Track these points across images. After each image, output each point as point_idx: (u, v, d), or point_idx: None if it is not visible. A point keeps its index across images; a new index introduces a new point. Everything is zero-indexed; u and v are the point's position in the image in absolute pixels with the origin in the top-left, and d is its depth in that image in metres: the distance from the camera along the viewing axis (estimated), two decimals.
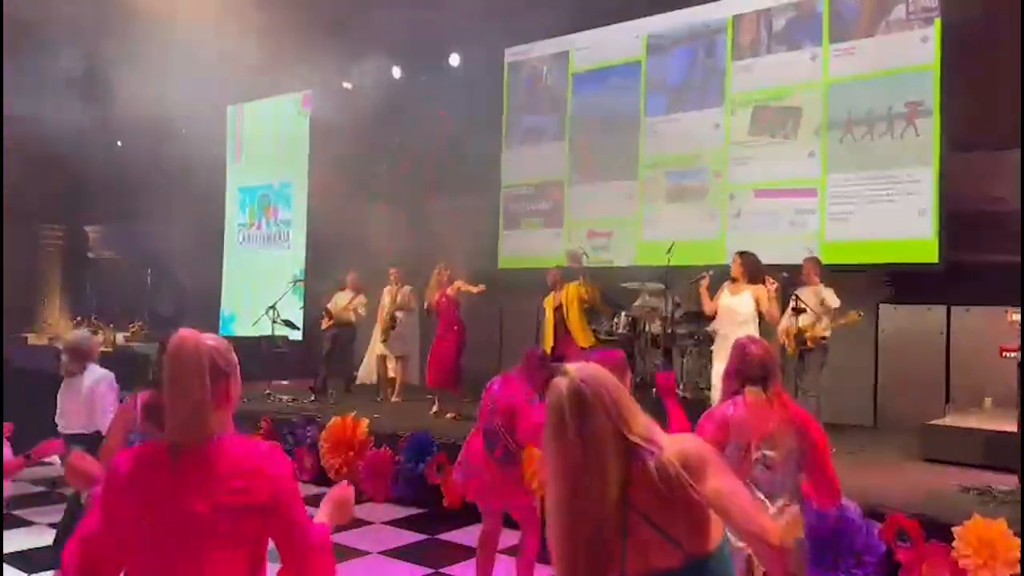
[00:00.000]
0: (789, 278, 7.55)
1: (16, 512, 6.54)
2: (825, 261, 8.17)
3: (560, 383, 1.79)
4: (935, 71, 8.05)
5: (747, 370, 3.21)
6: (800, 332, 7.15)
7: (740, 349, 3.30)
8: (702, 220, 9.45)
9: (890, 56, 8.31)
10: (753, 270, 6.75)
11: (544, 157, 10.93)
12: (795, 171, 8.84)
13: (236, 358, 2.14)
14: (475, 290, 8.68)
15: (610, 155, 10.26)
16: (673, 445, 1.83)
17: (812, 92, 8.82)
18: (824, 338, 7.05)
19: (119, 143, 13.80)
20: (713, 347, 6.98)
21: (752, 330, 6.49)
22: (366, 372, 9.75)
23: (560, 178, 10.78)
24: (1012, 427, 5.68)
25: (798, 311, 7.49)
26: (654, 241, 9.64)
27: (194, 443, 1.97)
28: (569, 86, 10.83)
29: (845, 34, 8.65)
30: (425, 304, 8.97)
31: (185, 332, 2.06)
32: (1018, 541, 4.33)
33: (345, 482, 2.36)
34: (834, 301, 6.98)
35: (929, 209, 8.00)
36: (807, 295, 7.25)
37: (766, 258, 8.22)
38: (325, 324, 9.79)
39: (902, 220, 8.13)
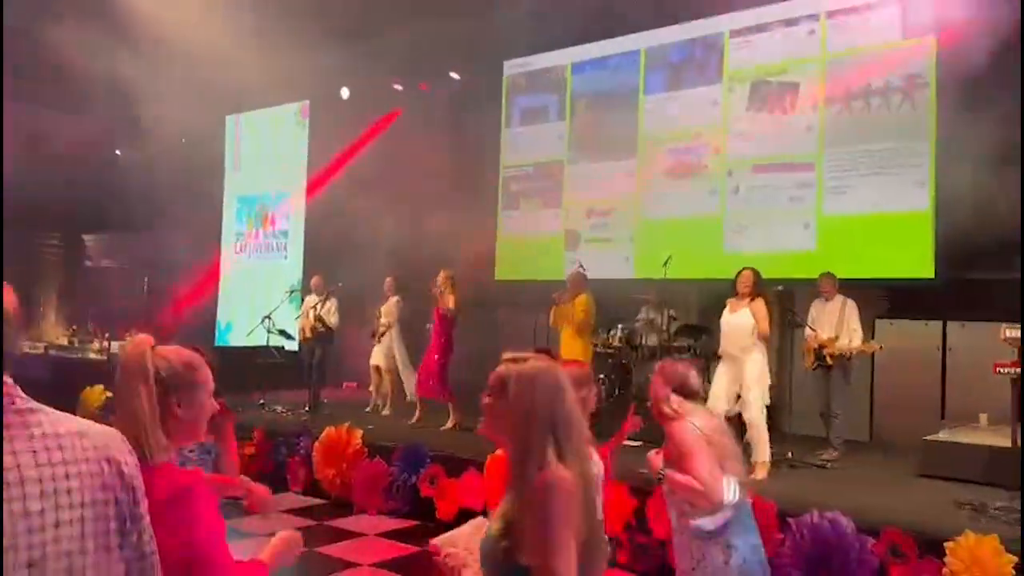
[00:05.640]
0: (785, 290, 7.55)
1: None
2: (822, 246, 8.21)
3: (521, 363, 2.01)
4: (932, 45, 8.05)
5: None
6: (820, 348, 7.10)
7: None
8: (702, 197, 9.46)
9: (888, 30, 8.31)
10: (760, 285, 6.62)
11: (543, 137, 10.95)
12: (793, 146, 8.84)
13: (188, 372, 1.94)
14: (451, 307, 8.55)
15: (609, 133, 10.28)
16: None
17: (810, 67, 8.84)
18: (846, 356, 7.02)
19: (118, 152, 13.81)
20: (718, 365, 6.79)
21: (756, 348, 6.45)
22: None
23: (559, 157, 10.81)
24: (1007, 443, 5.69)
25: (794, 325, 7.51)
26: (654, 219, 9.76)
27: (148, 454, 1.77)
28: (568, 65, 10.86)
29: (843, 8, 8.66)
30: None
31: (138, 338, 1.92)
32: (1010, 557, 4.34)
33: (294, 531, 2.24)
34: (856, 337, 7.03)
35: (927, 181, 8.00)
36: (827, 310, 7.22)
37: (766, 238, 8.22)
38: (301, 337, 9.75)
39: (900, 192, 8.12)
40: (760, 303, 6.52)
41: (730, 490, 3.11)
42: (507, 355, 2.07)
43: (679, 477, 3.17)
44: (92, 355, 11.27)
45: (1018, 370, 5.49)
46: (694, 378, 3.40)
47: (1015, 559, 4.33)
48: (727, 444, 3.26)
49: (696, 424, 3.21)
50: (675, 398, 3.30)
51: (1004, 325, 5.62)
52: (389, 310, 9.36)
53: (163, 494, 1.74)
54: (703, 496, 3.09)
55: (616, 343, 8.79)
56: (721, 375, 6.59)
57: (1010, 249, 7.48)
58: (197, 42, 9.40)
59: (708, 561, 3.12)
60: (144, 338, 1.93)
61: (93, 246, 16.21)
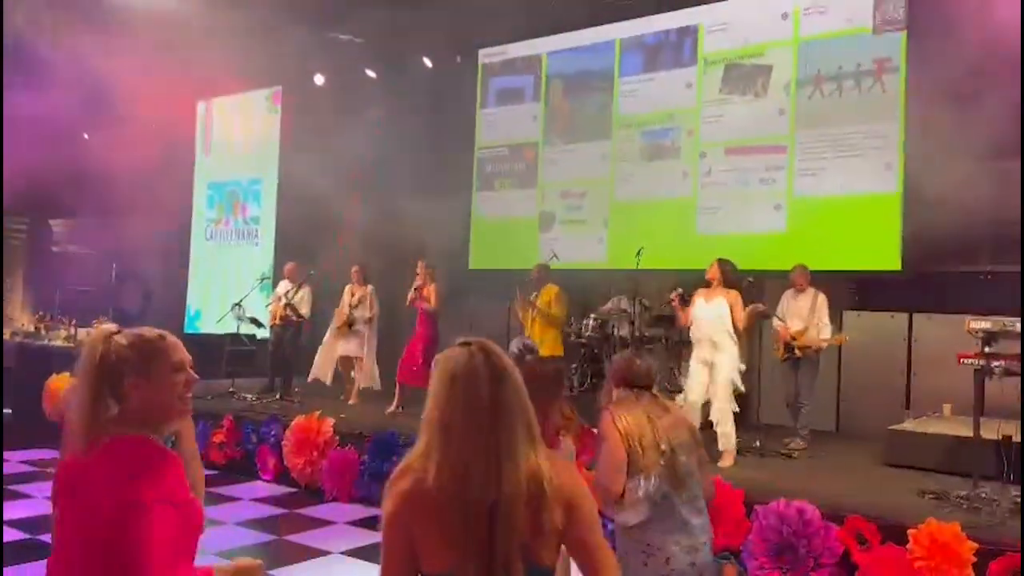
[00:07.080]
0: (755, 282, 7.60)
1: (14, 487, 6.97)
2: (792, 228, 8.24)
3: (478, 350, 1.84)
4: (903, 33, 8.12)
5: None
6: (791, 339, 7.17)
7: None
8: (675, 179, 9.52)
9: (860, 13, 8.39)
10: (729, 277, 6.66)
11: (518, 118, 10.96)
12: (765, 128, 8.92)
13: (137, 353, 1.96)
14: (432, 301, 8.60)
15: (584, 115, 10.32)
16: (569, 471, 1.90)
17: (783, 50, 8.91)
18: (815, 348, 7.09)
19: (85, 135, 13.58)
20: (691, 354, 6.77)
21: (728, 337, 6.49)
22: (319, 370, 9.49)
23: (534, 139, 10.82)
24: (969, 433, 5.78)
25: (764, 316, 7.57)
26: (627, 201, 9.81)
27: (80, 444, 1.89)
28: (543, 53, 10.88)
29: None
30: (411, 297, 8.82)
31: (97, 329, 2.00)
32: (971, 544, 4.42)
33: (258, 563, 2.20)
34: (826, 330, 7.12)
35: (895, 163, 8.10)
36: (798, 303, 7.28)
37: (738, 220, 8.39)
38: (271, 322, 9.64)
39: (869, 175, 8.21)
40: (737, 295, 6.58)
41: (640, 488, 2.95)
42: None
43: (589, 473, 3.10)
44: (59, 342, 11.14)
45: (981, 361, 5.57)
46: (639, 368, 3.26)
47: (976, 546, 4.42)
48: (657, 437, 3.06)
49: (617, 416, 3.07)
50: (616, 391, 3.20)
51: (969, 317, 5.70)
52: (364, 300, 9.23)
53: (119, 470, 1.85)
54: (597, 490, 2.97)
55: (588, 332, 8.83)
56: (696, 366, 6.58)
57: (974, 242, 7.61)
58: (167, 25, 9.27)
59: (629, 559, 3.04)
60: (102, 329, 1.98)
61: (60, 231, 15.96)
